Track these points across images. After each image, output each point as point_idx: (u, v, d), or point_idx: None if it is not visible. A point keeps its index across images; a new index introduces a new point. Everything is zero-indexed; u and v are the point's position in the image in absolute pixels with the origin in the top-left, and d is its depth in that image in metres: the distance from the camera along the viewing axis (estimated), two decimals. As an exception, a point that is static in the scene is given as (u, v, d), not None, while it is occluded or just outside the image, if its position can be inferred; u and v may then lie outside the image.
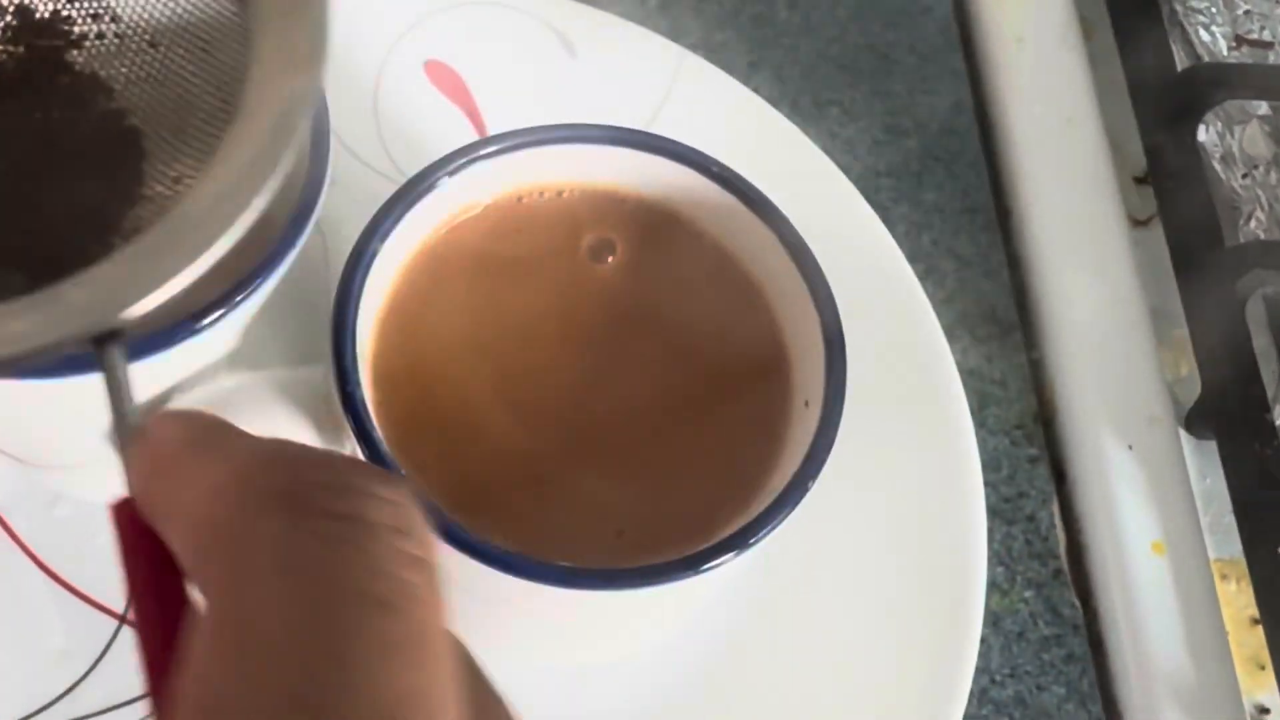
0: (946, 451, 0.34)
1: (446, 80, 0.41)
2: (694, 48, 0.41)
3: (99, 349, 0.21)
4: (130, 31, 0.26)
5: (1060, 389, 0.40)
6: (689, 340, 0.27)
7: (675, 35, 0.42)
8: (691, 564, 0.23)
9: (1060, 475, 0.39)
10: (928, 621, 0.32)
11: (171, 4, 0.26)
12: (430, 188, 0.26)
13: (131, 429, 0.21)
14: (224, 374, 0.26)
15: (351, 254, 0.25)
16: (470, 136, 0.40)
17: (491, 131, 0.40)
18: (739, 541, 0.24)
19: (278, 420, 0.25)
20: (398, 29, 0.40)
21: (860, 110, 0.44)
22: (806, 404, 0.26)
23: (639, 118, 0.40)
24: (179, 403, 0.25)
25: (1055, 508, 0.38)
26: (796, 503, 0.24)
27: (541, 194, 0.28)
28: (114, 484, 0.33)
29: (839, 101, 0.44)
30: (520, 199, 0.28)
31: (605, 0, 0.43)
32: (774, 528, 0.24)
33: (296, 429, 0.25)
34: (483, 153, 0.27)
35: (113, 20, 0.26)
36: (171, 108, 0.25)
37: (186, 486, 0.18)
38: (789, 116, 0.39)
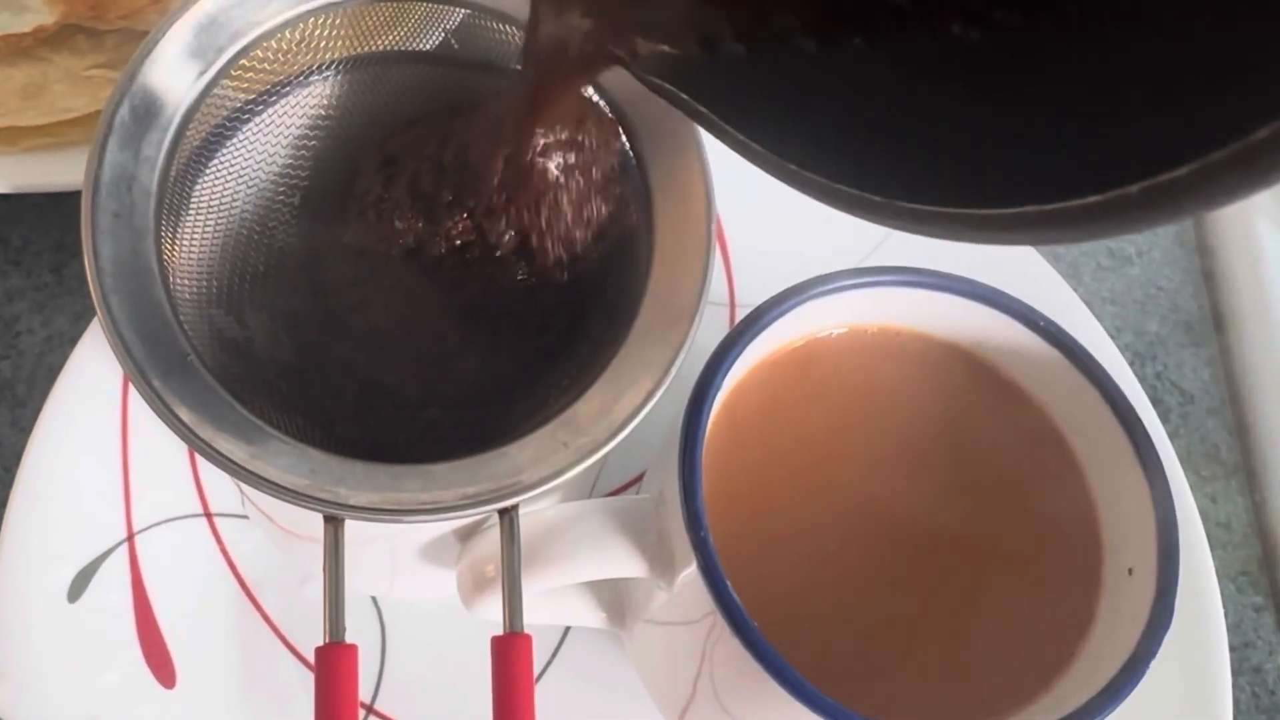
0: (1192, 614, 0.34)
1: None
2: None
3: (502, 518, 0.23)
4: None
5: (1285, 535, 0.40)
6: (999, 497, 0.27)
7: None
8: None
9: (1285, 625, 0.38)
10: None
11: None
12: (763, 326, 0.26)
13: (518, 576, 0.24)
14: (557, 497, 0.26)
15: (693, 397, 0.25)
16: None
17: (731, 249, 0.41)
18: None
19: (610, 545, 0.25)
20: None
21: (1083, 234, 0.44)
22: (1130, 572, 0.26)
23: (872, 237, 0.40)
24: (525, 524, 0.25)
25: (1282, 659, 0.38)
26: (1140, 677, 0.24)
27: (867, 331, 0.28)
28: (381, 581, 0.33)
29: (1062, 224, 0.44)
30: (834, 338, 0.28)
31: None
32: (1120, 700, 0.23)
33: (626, 554, 0.25)
34: (812, 292, 0.27)
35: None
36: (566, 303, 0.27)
37: None
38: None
